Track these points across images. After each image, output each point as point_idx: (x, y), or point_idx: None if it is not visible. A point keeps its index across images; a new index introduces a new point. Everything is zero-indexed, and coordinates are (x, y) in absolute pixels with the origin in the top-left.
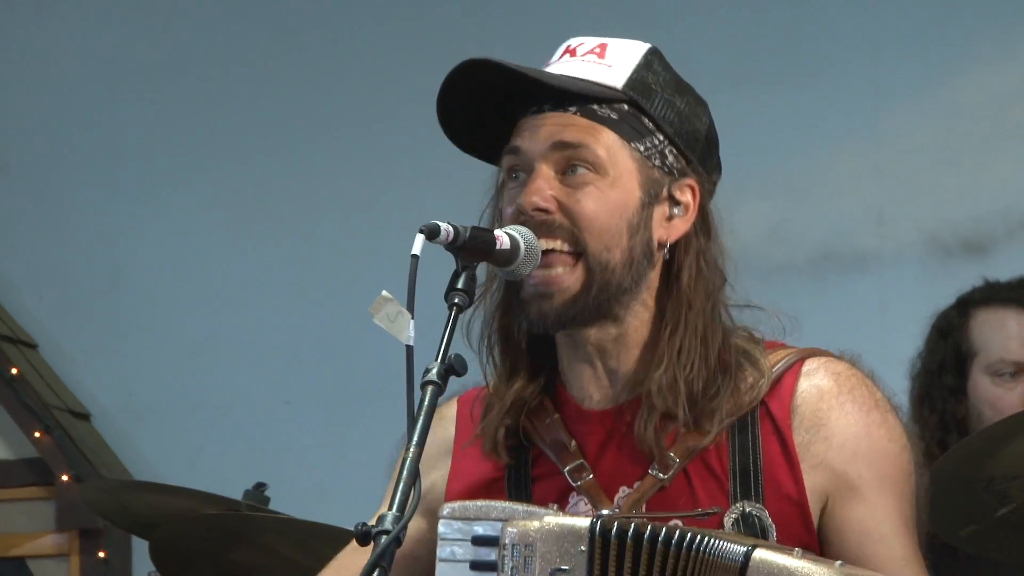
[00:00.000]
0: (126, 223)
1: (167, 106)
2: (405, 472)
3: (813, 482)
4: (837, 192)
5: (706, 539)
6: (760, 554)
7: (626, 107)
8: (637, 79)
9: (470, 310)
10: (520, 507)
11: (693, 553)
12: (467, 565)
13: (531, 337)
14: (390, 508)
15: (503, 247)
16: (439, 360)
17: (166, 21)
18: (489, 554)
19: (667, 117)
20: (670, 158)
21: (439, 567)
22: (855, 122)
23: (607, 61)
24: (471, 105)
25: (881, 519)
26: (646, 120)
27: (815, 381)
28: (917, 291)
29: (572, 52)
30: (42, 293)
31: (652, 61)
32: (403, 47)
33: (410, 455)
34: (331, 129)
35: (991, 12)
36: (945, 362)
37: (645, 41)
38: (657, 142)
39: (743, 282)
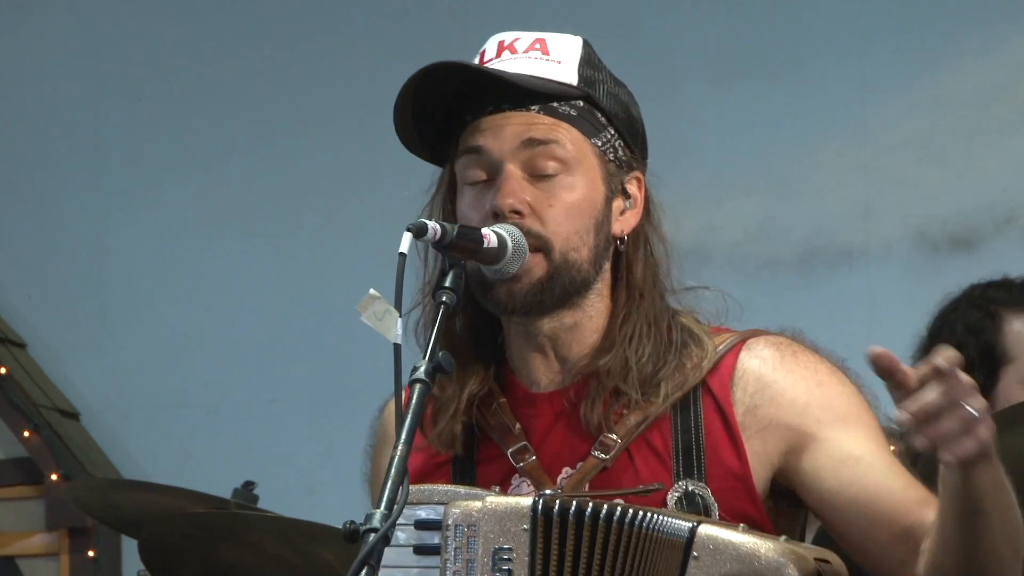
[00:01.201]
0: (112, 221)
1: (151, 104)
2: (393, 470)
3: (763, 447)
4: (823, 188)
5: (650, 515)
6: (705, 529)
7: (581, 103)
8: (584, 74)
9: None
10: (462, 490)
11: (637, 529)
12: (410, 549)
13: (475, 332)
14: (377, 506)
15: (491, 245)
16: (427, 358)
17: (150, 19)
18: (432, 537)
19: (614, 110)
20: (620, 151)
21: (385, 552)
22: (841, 118)
23: (554, 57)
24: (424, 110)
25: (851, 446)
26: (599, 115)
27: (756, 352)
28: (904, 286)
29: (511, 48)
30: (30, 292)
31: (591, 55)
32: (386, 44)
33: (399, 453)
34: (316, 125)
35: (976, 7)
36: (974, 361)
37: (621, 41)
38: (609, 136)
39: (731, 278)
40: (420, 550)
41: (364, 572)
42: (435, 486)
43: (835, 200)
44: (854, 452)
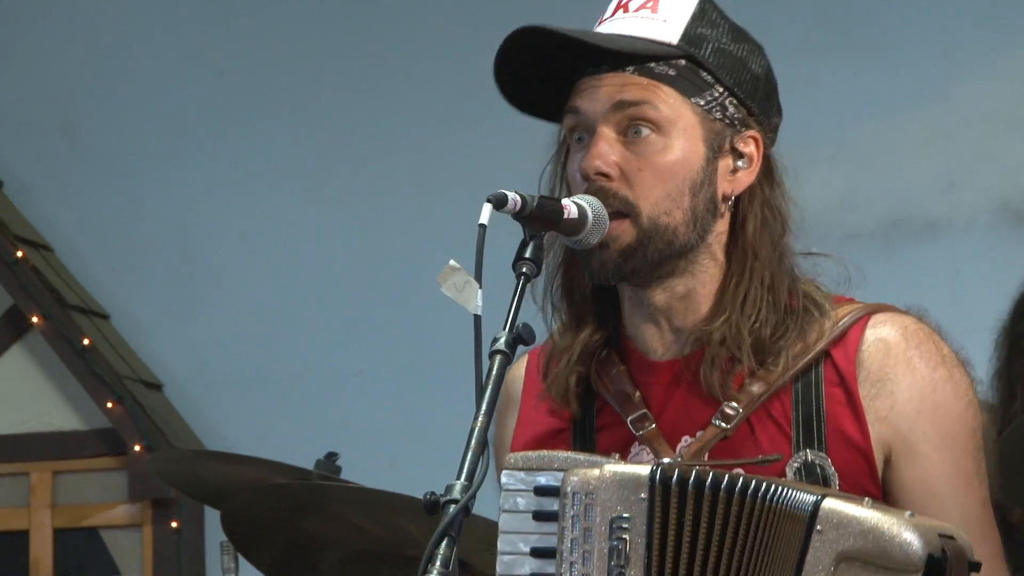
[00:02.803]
0: (197, 193)
1: (237, 77)
2: (473, 441)
3: (878, 433)
4: (907, 160)
5: (773, 487)
6: (830, 503)
7: (683, 62)
8: (692, 32)
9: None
10: (582, 457)
11: (759, 502)
12: (530, 515)
13: (595, 289)
14: (458, 477)
15: (571, 216)
16: (507, 329)
17: None
18: (551, 504)
19: (725, 67)
20: (731, 109)
21: (502, 517)
22: (925, 89)
23: (661, 16)
24: (528, 67)
25: (944, 478)
26: (704, 73)
27: (881, 334)
28: (988, 258)
29: (624, 7)
30: (114, 264)
31: (707, 11)
32: (474, 15)
33: (478, 424)
34: (402, 98)
35: None
36: None
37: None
38: (717, 94)
39: (815, 247)
40: (539, 516)
41: (444, 543)
42: (555, 452)
43: (919, 172)
44: (941, 487)
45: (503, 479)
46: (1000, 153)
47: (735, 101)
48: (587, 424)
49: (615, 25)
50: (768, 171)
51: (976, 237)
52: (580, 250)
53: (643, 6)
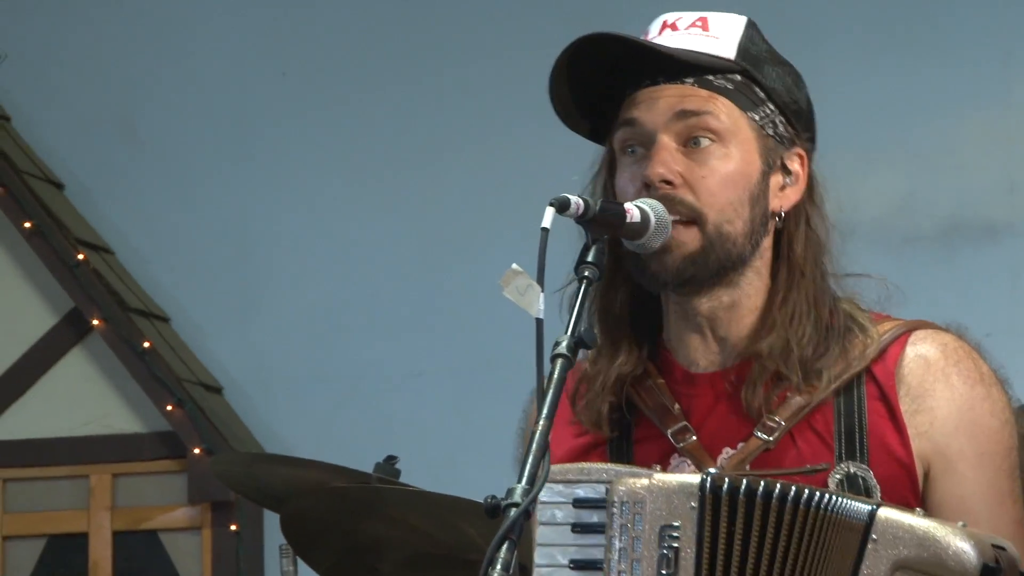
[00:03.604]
0: (256, 195)
1: (298, 78)
2: (535, 445)
3: (918, 448)
4: (967, 162)
5: (825, 496)
6: (885, 512)
7: (739, 77)
8: (745, 49)
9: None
10: (623, 468)
11: (812, 510)
12: (568, 528)
13: (632, 309)
14: (519, 481)
15: (633, 220)
16: (569, 333)
17: None
18: (591, 516)
19: (775, 86)
20: (780, 127)
21: (540, 530)
22: (984, 90)
23: (713, 33)
24: (580, 83)
25: (979, 496)
26: (758, 89)
27: (921, 351)
28: None
29: (673, 27)
30: (173, 266)
31: (752, 33)
32: (528, 20)
33: (540, 428)
34: (461, 99)
35: None
36: None
37: (770, 15)
38: (769, 111)
39: (874, 254)
40: (578, 528)
41: (505, 547)
42: (593, 464)
43: (979, 174)
44: (975, 505)
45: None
46: None
47: (784, 120)
48: (624, 438)
49: (668, 40)
50: (812, 191)
51: None
52: (638, 256)
53: (693, 24)
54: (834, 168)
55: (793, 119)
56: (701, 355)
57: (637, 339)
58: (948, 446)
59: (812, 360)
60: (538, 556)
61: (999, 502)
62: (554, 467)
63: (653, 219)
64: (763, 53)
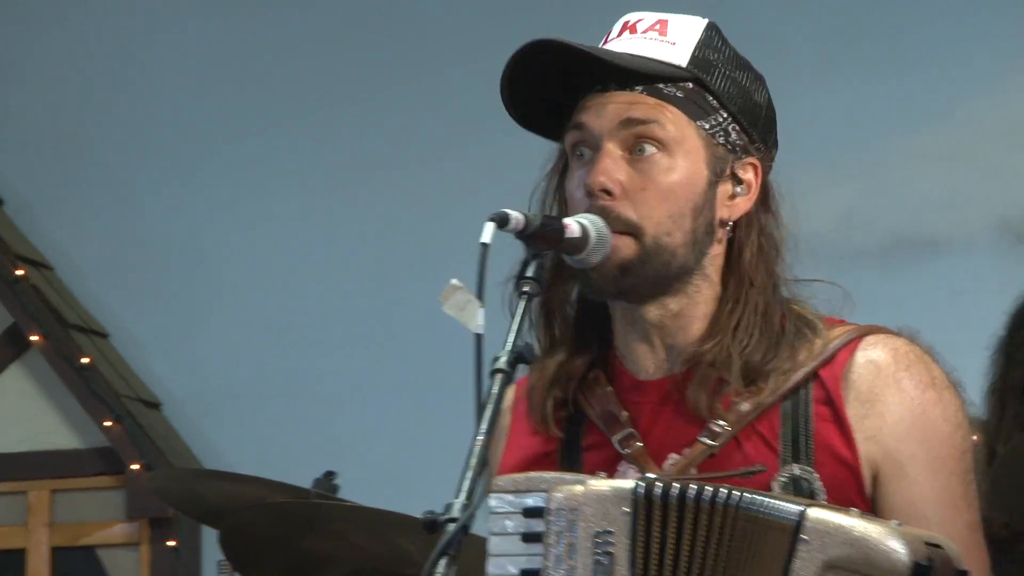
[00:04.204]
0: (199, 210)
1: (241, 92)
2: (473, 459)
3: (866, 452)
4: (908, 178)
5: (756, 498)
6: (815, 512)
7: (690, 85)
8: (700, 56)
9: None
10: (568, 476)
11: (743, 511)
12: (518, 537)
13: (580, 311)
14: (457, 496)
15: (573, 235)
16: (508, 348)
17: (250, 6)
18: (539, 525)
19: (730, 94)
20: (733, 135)
21: (491, 540)
22: (929, 108)
23: (669, 38)
24: (535, 82)
25: (930, 501)
26: (710, 97)
27: (872, 356)
28: (988, 276)
29: (632, 29)
30: (113, 282)
31: (712, 37)
32: (479, 33)
33: (478, 443)
34: (411, 115)
35: None
36: None
37: (724, 25)
38: (721, 119)
39: (816, 268)
40: (528, 538)
41: (443, 562)
42: (543, 473)
43: (921, 190)
44: (927, 510)
45: (491, 502)
46: (1001, 171)
47: (738, 128)
48: (574, 445)
49: (623, 45)
50: (765, 199)
51: (977, 255)
52: (577, 269)
53: (651, 28)
54: (777, 183)
55: (748, 126)
56: (649, 362)
57: (586, 343)
58: (899, 450)
59: (759, 366)
60: (490, 566)
61: (951, 506)
62: (504, 477)
63: (593, 234)
64: (721, 58)
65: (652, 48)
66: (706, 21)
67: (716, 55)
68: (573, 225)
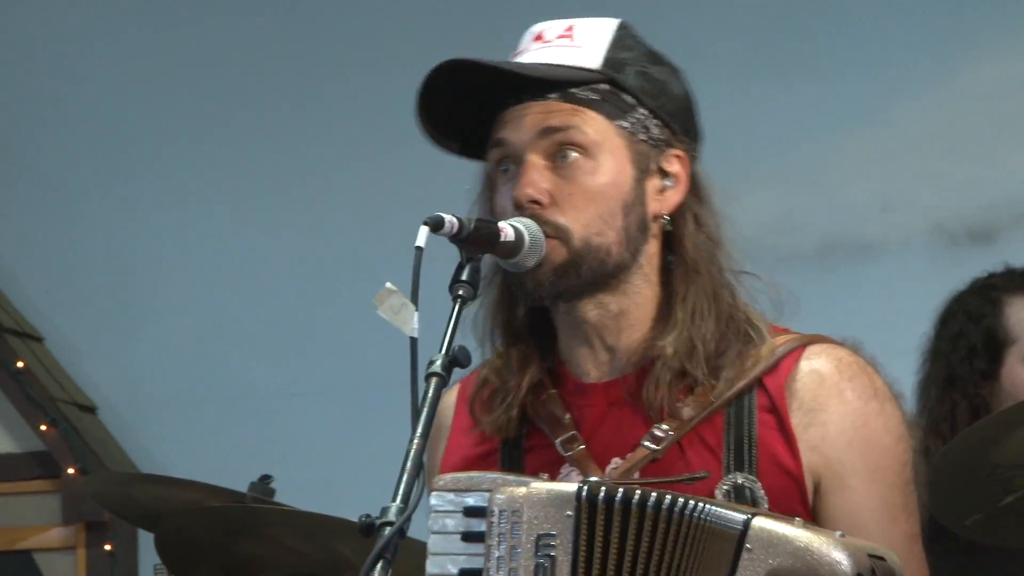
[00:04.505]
0: (134, 216)
1: (174, 97)
2: (409, 463)
3: (808, 461)
4: (843, 181)
5: (701, 504)
6: (760, 522)
7: (605, 86)
8: (611, 56)
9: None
10: (511, 477)
11: (687, 518)
12: (458, 536)
13: (532, 322)
14: (394, 499)
15: (507, 239)
16: (443, 352)
17: (175, 14)
18: (480, 524)
19: (645, 90)
20: (654, 130)
21: (431, 539)
22: (862, 111)
23: (578, 43)
24: (451, 105)
25: (870, 511)
26: (626, 96)
27: (816, 366)
28: (923, 279)
29: (541, 38)
30: (48, 286)
31: (623, 36)
32: (409, 36)
33: (414, 446)
34: (338, 119)
35: (998, 2)
36: (976, 347)
37: (650, 33)
38: (640, 116)
39: (751, 271)
40: (468, 537)
41: (380, 565)
42: (484, 473)
43: (855, 193)
44: (867, 520)
45: (432, 500)
46: (935, 175)
47: (658, 122)
48: (516, 447)
49: (534, 55)
50: (696, 189)
51: (911, 259)
52: (514, 276)
53: (561, 35)
54: (712, 185)
55: (669, 120)
56: (592, 365)
57: (541, 350)
58: (840, 461)
59: (715, 357)
60: (429, 565)
61: (891, 517)
62: (446, 476)
63: (527, 238)
64: (633, 55)
65: (563, 55)
66: (617, 21)
67: (628, 53)
68: (508, 229)
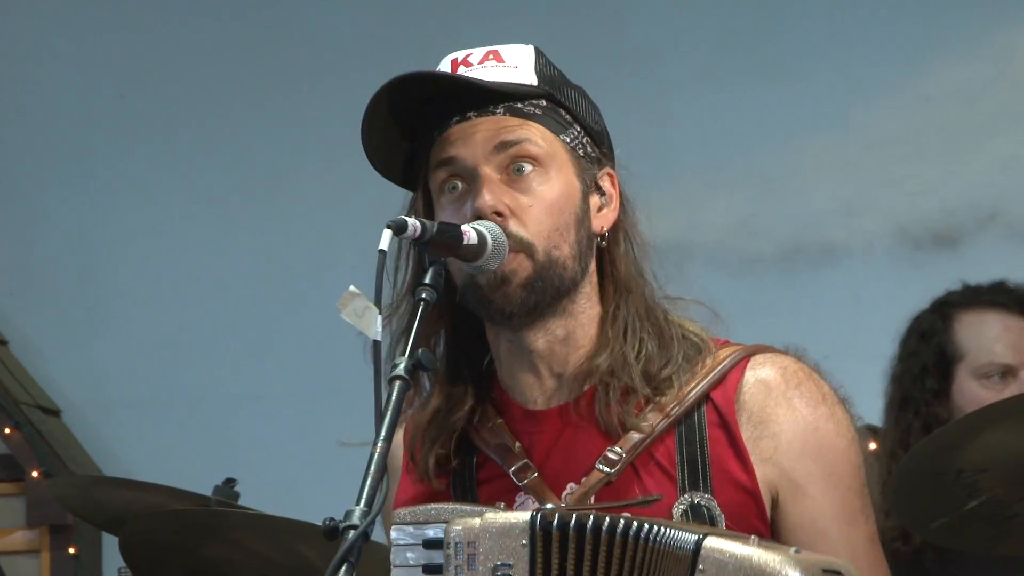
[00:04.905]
0: (96, 218)
1: (138, 100)
2: (372, 467)
3: (763, 474)
4: (807, 185)
5: (653, 527)
6: (712, 542)
7: (544, 102)
8: (544, 74)
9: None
10: (467, 508)
11: (641, 542)
12: (420, 569)
13: (450, 348)
14: (357, 503)
15: (470, 242)
16: (406, 355)
17: (136, 16)
18: (440, 556)
19: (578, 108)
20: (588, 148)
21: (394, 572)
22: (825, 115)
23: (509, 63)
24: (388, 128)
25: (830, 517)
26: (564, 112)
27: (761, 375)
28: (887, 283)
29: (466, 63)
30: (11, 289)
31: (543, 59)
32: (376, 43)
33: (378, 450)
34: (301, 123)
35: (961, 5)
36: (927, 365)
37: (614, 38)
38: (577, 133)
39: (715, 276)
40: (429, 569)
41: (344, 569)
42: (443, 505)
43: (818, 197)
44: (828, 526)
45: (393, 534)
46: (898, 179)
47: (590, 140)
48: (467, 480)
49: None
50: (625, 209)
51: (875, 262)
52: (480, 289)
53: (485, 59)
54: (676, 190)
55: (596, 139)
56: (538, 392)
57: (463, 382)
58: (795, 470)
59: (659, 370)
60: None
61: (851, 521)
62: (405, 509)
63: (490, 240)
64: (558, 77)
65: (497, 74)
66: (532, 47)
67: (553, 73)
68: (471, 232)
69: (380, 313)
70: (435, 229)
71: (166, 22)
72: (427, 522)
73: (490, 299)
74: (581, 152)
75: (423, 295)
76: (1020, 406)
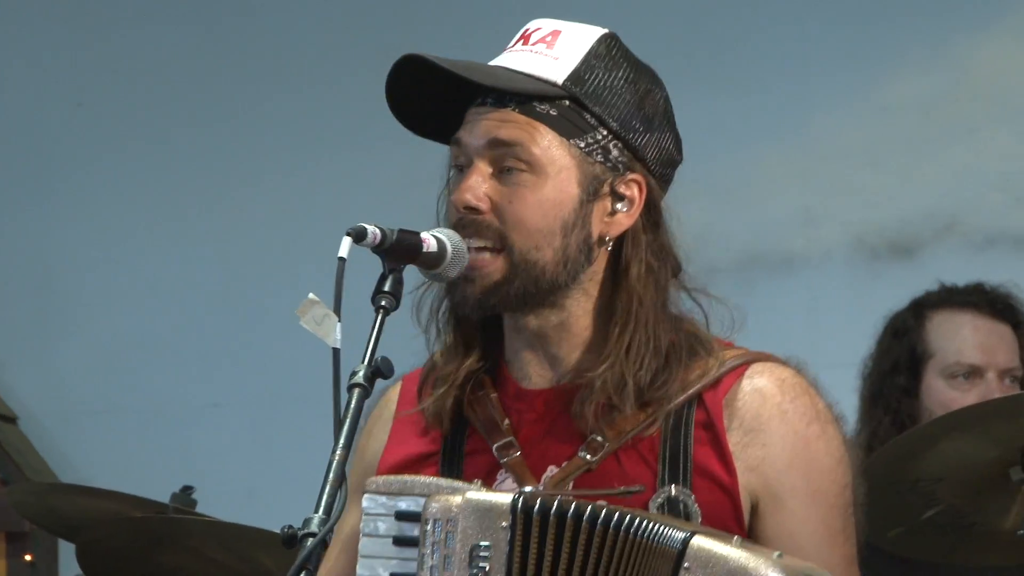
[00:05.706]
0: (54, 226)
1: (94, 108)
2: (331, 474)
3: (747, 481)
4: (764, 194)
5: (640, 520)
6: (699, 541)
7: (567, 103)
8: (583, 71)
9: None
10: (444, 483)
11: (624, 534)
12: (390, 540)
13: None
14: (316, 510)
15: (430, 250)
16: (366, 363)
17: (93, 23)
18: (412, 529)
19: (612, 110)
20: (614, 152)
21: (363, 541)
22: (782, 124)
23: (555, 52)
24: (419, 92)
25: (808, 533)
26: (588, 115)
27: (758, 385)
28: (844, 293)
29: (526, 39)
30: None
31: (602, 50)
32: (335, 48)
33: (336, 457)
34: (259, 130)
35: (918, 16)
36: (899, 363)
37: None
38: (600, 137)
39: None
40: (399, 541)
41: None
42: (416, 477)
43: (776, 207)
44: (805, 543)
45: (364, 503)
46: (856, 188)
47: (619, 144)
48: (456, 449)
49: (511, 58)
50: (651, 214)
51: (832, 272)
52: (447, 284)
53: (542, 40)
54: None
55: (633, 141)
56: (534, 370)
57: (485, 344)
58: (780, 482)
59: (650, 388)
60: (360, 568)
61: (830, 540)
62: (379, 478)
63: (449, 249)
64: (605, 73)
65: (534, 62)
66: (602, 32)
67: (604, 71)
68: (430, 240)
69: (339, 320)
70: (394, 237)
71: (124, 30)
72: (400, 493)
73: (451, 294)
74: (598, 157)
75: (382, 303)
76: (977, 416)
